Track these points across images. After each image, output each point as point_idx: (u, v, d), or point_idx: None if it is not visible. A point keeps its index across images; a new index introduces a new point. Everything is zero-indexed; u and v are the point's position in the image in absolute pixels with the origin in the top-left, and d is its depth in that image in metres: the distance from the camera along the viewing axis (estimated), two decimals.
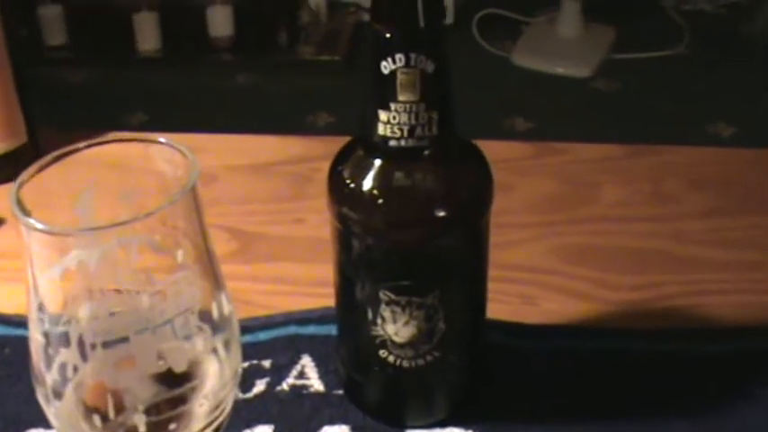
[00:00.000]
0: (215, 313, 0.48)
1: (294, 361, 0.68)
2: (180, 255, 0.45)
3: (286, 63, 2.80)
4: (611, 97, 2.62)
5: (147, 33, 2.82)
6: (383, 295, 0.57)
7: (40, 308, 0.46)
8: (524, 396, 0.66)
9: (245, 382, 0.66)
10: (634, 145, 0.97)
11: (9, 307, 0.74)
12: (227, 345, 0.49)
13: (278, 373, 0.68)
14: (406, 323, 0.58)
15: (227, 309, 0.49)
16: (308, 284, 0.77)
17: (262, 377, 0.67)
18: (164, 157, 0.48)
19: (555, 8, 2.86)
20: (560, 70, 2.70)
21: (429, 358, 0.60)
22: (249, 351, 0.68)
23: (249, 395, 0.66)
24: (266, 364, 0.68)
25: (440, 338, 0.59)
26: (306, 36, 2.86)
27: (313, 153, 0.94)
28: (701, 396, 0.65)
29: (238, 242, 0.82)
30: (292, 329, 0.71)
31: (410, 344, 0.59)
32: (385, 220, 0.56)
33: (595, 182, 0.90)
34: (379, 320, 0.59)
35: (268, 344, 0.70)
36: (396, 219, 0.56)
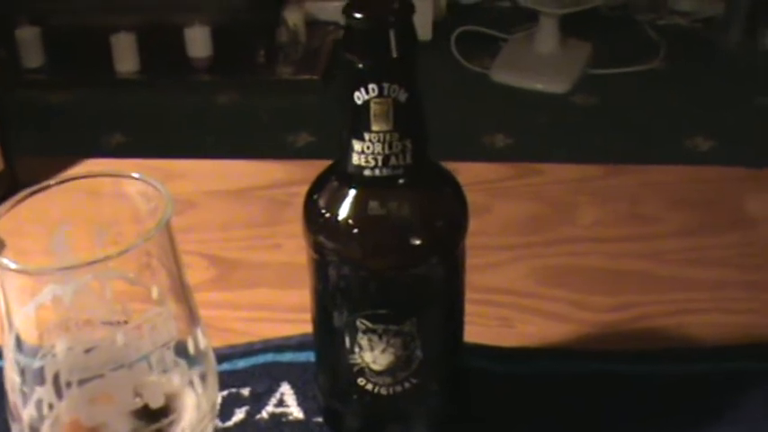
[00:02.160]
0: (191, 348, 0.47)
1: (273, 389, 0.68)
2: (155, 290, 0.45)
3: (265, 83, 2.80)
4: (589, 112, 2.63)
5: (125, 54, 2.82)
6: (360, 324, 0.57)
7: (16, 345, 0.46)
8: (502, 420, 0.66)
9: (225, 410, 0.66)
10: (613, 165, 0.97)
11: None
12: (203, 378, 0.49)
13: (257, 401, 0.67)
14: (384, 351, 0.58)
15: (202, 343, 0.49)
16: (287, 310, 0.76)
17: (241, 406, 0.67)
18: (137, 189, 0.48)
19: (532, 25, 2.87)
20: (539, 86, 2.72)
21: (407, 385, 0.60)
22: (228, 379, 0.68)
23: (229, 424, 0.66)
24: (245, 392, 0.68)
25: (417, 365, 0.59)
26: (284, 55, 2.86)
27: (290, 177, 0.94)
28: (680, 417, 0.65)
29: (217, 269, 0.82)
30: (270, 357, 0.71)
31: (388, 371, 0.59)
32: (360, 249, 0.56)
33: (574, 202, 0.90)
34: (356, 349, 0.58)
35: (247, 372, 0.70)
36: (371, 248, 0.56)
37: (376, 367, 0.59)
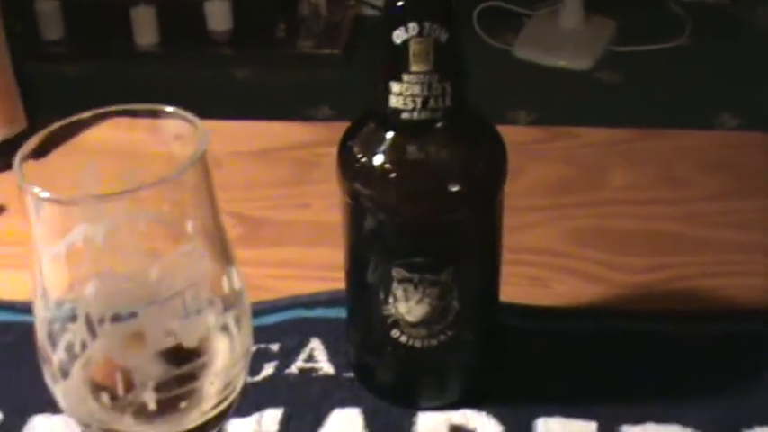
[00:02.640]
0: (225, 287, 0.46)
1: (303, 344, 0.67)
2: (189, 226, 0.44)
3: (285, 57, 2.78)
4: (613, 90, 2.60)
5: (145, 27, 2.81)
6: (396, 273, 0.56)
7: (47, 285, 0.45)
8: (536, 377, 0.65)
9: (254, 365, 0.65)
10: (644, 129, 0.96)
11: (12, 293, 0.73)
12: (238, 321, 0.47)
13: (286, 356, 0.66)
14: (419, 301, 0.56)
15: (237, 283, 0.47)
16: (315, 268, 0.76)
17: (270, 360, 0.66)
18: (173, 132, 0.47)
19: (556, 0, 2.85)
20: (562, 63, 2.69)
21: (442, 338, 0.58)
22: (257, 335, 0.66)
23: (258, 378, 0.65)
24: (274, 347, 0.67)
25: (453, 317, 0.58)
26: (305, 29, 2.84)
27: (317, 139, 0.94)
28: (712, 377, 0.64)
29: (244, 227, 0.81)
30: (300, 312, 0.70)
31: (423, 323, 0.58)
32: (397, 194, 0.54)
33: (606, 165, 0.89)
34: (391, 299, 0.57)
35: (276, 327, 0.69)
36: (408, 193, 0.54)
37: (411, 319, 0.57)
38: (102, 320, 0.43)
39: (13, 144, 0.89)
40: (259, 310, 0.70)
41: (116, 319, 0.43)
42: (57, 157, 0.46)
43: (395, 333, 0.59)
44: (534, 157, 0.89)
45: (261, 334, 0.68)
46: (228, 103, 2.55)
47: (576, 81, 2.64)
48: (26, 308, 0.68)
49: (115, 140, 0.49)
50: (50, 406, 0.62)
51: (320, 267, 0.75)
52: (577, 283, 0.74)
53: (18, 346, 0.68)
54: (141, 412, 0.45)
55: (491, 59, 2.74)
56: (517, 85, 2.63)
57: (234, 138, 0.94)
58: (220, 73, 2.74)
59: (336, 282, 0.66)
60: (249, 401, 0.62)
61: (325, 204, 0.84)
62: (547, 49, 2.73)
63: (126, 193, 0.41)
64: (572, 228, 0.81)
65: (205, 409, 0.47)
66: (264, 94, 2.64)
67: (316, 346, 0.67)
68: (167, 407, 0.45)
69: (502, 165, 0.56)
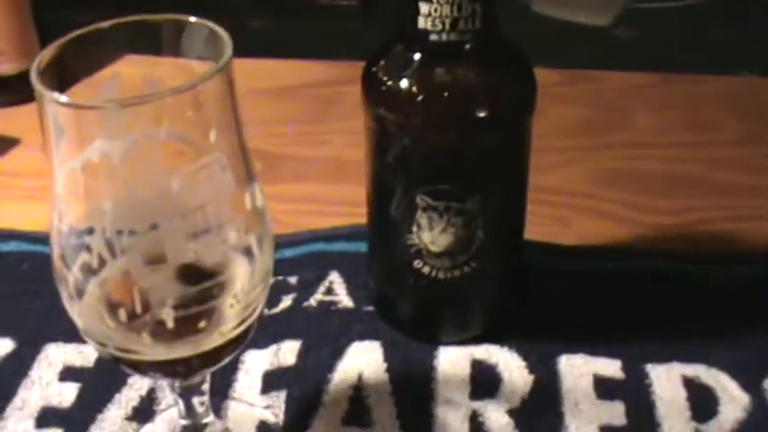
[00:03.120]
0: (248, 204, 0.45)
1: (322, 277, 0.66)
2: (212, 137, 0.42)
3: (303, 8, 2.76)
4: (632, 46, 2.58)
5: None
6: (420, 200, 0.54)
7: (63, 201, 0.44)
8: (559, 316, 0.64)
9: (271, 297, 0.64)
10: (668, 73, 0.94)
11: (27, 224, 0.72)
12: (260, 242, 0.46)
13: (305, 289, 0.65)
14: (444, 230, 0.55)
15: (259, 201, 0.46)
16: (334, 204, 0.75)
17: (288, 293, 0.65)
18: (197, 65, 0.45)
19: None
20: (581, 18, 2.67)
21: (466, 269, 0.57)
22: (275, 267, 0.66)
23: (276, 310, 0.64)
24: (292, 280, 0.66)
25: (478, 248, 0.56)
26: None
27: (338, 77, 0.93)
28: (739, 318, 0.63)
29: (263, 163, 0.80)
30: (319, 246, 0.69)
31: (447, 253, 0.56)
32: (423, 118, 0.53)
33: (630, 108, 0.88)
34: (414, 228, 0.56)
35: (294, 261, 0.68)
36: (435, 117, 0.53)
37: (434, 248, 0.56)
38: (120, 234, 0.42)
39: (27, 78, 0.88)
40: (278, 243, 0.68)
41: (135, 233, 0.42)
42: (76, 90, 0.45)
43: (417, 263, 0.57)
44: (556, 100, 0.88)
45: (279, 267, 0.66)
46: (244, 53, 2.52)
47: (595, 37, 2.62)
48: (40, 238, 0.67)
49: (137, 75, 0.47)
50: (63, 335, 0.62)
51: (340, 203, 0.74)
52: (599, 224, 0.73)
53: (32, 276, 0.68)
54: (159, 332, 0.44)
55: (509, 14, 2.70)
56: (535, 41, 2.60)
57: (253, 75, 0.92)
58: (237, 23, 2.71)
59: (356, 218, 0.65)
60: (267, 333, 0.61)
61: (346, 141, 0.82)
62: (565, 5, 2.70)
63: (148, 97, 0.39)
64: (594, 169, 0.80)
65: (224, 330, 0.45)
66: (280, 44, 2.62)
67: (335, 279, 0.66)
68: (186, 326, 0.44)
69: (531, 90, 0.55)
